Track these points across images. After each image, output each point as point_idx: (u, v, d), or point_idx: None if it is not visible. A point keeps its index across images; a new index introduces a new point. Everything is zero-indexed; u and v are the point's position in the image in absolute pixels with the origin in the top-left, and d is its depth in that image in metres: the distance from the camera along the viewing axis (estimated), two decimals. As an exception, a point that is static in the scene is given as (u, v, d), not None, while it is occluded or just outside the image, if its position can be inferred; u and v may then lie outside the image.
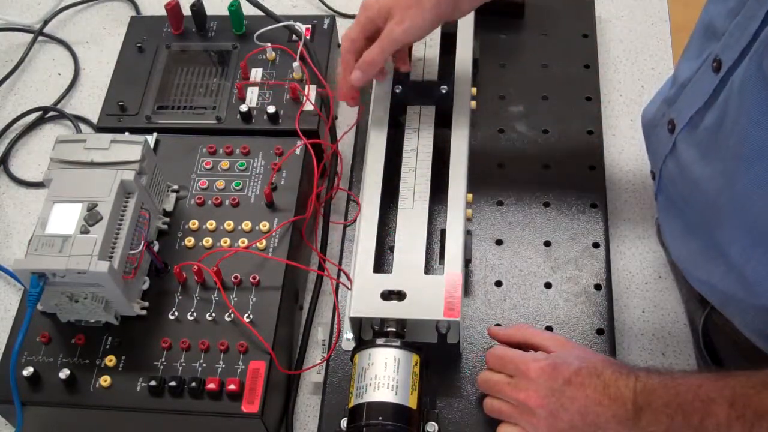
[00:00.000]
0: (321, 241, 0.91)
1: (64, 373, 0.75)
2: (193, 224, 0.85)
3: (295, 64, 0.94)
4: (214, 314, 0.79)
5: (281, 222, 0.84)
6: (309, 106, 0.92)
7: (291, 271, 0.82)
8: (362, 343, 0.75)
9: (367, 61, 0.82)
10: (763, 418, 0.59)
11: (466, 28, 0.96)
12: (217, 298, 0.80)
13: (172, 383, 0.74)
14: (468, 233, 0.82)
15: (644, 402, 0.66)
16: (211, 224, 0.84)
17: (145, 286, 0.81)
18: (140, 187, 0.78)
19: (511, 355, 0.74)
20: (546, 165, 0.92)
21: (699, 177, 0.70)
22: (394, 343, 0.73)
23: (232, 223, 0.84)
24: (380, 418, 0.70)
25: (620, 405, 0.67)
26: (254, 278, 0.80)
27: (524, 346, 0.76)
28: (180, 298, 0.80)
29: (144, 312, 0.79)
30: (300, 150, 0.89)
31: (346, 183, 0.93)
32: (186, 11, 1.00)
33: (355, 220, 0.88)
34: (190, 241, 0.83)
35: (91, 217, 0.74)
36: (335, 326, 0.82)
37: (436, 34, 0.94)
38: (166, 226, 0.84)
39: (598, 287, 0.84)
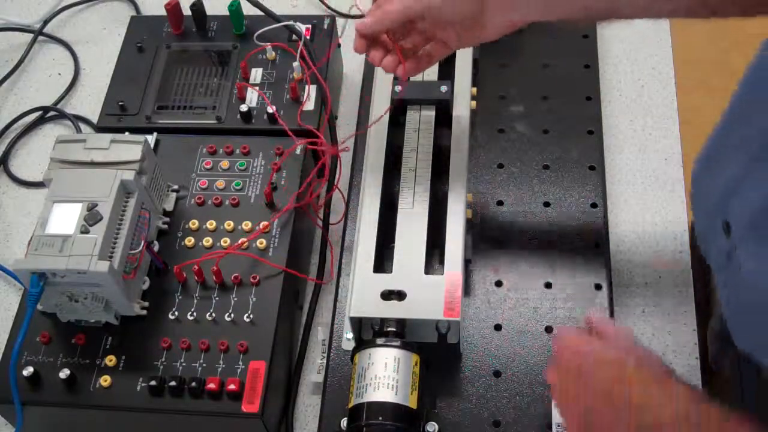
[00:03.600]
0: (321, 241, 0.91)
1: (64, 373, 0.75)
2: (193, 224, 0.85)
3: (295, 64, 0.94)
4: (214, 314, 0.79)
5: (282, 222, 0.84)
6: (309, 106, 0.92)
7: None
8: (362, 343, 0.75)
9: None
10: None
11: (466, 28, 0.95)
12: (217, 298, 0.80)
13: (172, 383, 0.74)
14: (468, 233, 0.82)
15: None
16: (211, 224, 0.84)
17: (145, 286, 0.80)
18: (140, 187, 0.78)
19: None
20: (546, 165, 0.92)
21: None
22: (394, 343, 0.73)
23: (232, 223, 0.84)
24: (380, 418, 0.70)
25: None
26: (254, 278, 0.80)
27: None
28: (180, 298, 0.80)
29: (144, 312, 0.79)
30: (300, 150, 0.89)
31: (346, 183, 0.93)
32: (186, 11, 1.00)
33: (342, 219, 0.89)
34: (190, 241, 0.83)
35: (91, 217, 0.74)
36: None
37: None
38: (166, 226, 0.84)
39: (598, 287, 0.84)
